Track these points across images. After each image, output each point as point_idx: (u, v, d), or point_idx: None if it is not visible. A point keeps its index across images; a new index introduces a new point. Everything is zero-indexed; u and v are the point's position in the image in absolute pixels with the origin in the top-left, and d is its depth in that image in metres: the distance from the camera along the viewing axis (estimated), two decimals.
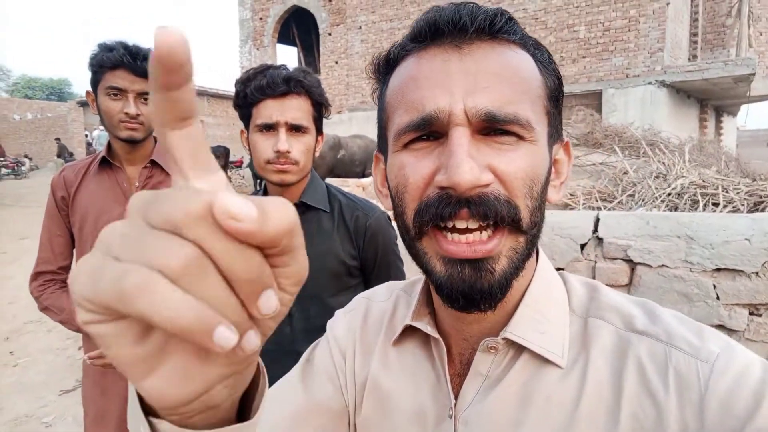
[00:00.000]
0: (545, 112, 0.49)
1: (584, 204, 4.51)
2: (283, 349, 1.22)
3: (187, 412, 0.26)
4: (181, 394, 0.25)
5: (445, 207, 0.43)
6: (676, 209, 3.77)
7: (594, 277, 2.20)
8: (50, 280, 1.59)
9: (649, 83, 10.52)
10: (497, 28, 0.46)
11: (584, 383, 0.47)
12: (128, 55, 1.44)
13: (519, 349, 0.51)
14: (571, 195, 4.86)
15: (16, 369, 4.17)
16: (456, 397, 0.53)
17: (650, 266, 2.08)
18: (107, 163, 1.58)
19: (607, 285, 1.99)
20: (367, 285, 1.28)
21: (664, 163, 4.98)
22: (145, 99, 1.50)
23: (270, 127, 1.16)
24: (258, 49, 17.92)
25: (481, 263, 0.44)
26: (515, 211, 0.44)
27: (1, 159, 19.78)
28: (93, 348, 1.50)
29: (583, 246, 2.24)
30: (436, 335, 0.55)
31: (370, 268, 1.25)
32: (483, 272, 0.44)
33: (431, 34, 0.47)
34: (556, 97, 0.51)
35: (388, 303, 0.66)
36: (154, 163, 1.61)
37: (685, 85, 10.63)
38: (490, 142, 0.45)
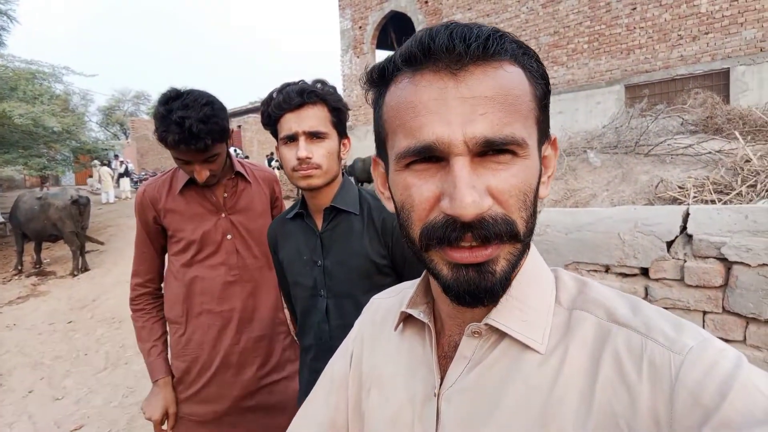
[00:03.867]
0: (535, 121, 0.50)
1: (695, 198, 4.06)
2: (323, 345, 1.31)
3: None
4: None
5: (452, 232, 0.47)
6: None
7: (683, 278, 1.99)
8: (142, 286, 1.76)
9: None
10: (490, 53, 0.47)
11: (561, 369, 0.50)
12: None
13: (501, 335, 0.54)
14: (680, 188, 4.39)
15: None
16: (443, 379, 0.57)
17: (749, 265, 1.83)
18: (192, 182, 1.64)
19: (697, 286, 1.79)
20: (400, 281, 1.30)
21: None
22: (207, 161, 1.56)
23: (292, 138, 1.23)
24: (358, 57, 18.49)
25: (483, 266, 0.48)
26: (512, 226, 0.47)
27: (143, 174, 22.67)
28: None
29: (669, 244, 2.03)
30: (425, 320, 0.60)
31: (401, 265, 1.27)
32: (485, 273, 0.48)
33: (425, 59, 0.47)
34: (545, 103, 0.51)
35: (396, 298, 0.73)
36: (237, 174, 1.72)
37: None
38: (487, 163, 0.47)
